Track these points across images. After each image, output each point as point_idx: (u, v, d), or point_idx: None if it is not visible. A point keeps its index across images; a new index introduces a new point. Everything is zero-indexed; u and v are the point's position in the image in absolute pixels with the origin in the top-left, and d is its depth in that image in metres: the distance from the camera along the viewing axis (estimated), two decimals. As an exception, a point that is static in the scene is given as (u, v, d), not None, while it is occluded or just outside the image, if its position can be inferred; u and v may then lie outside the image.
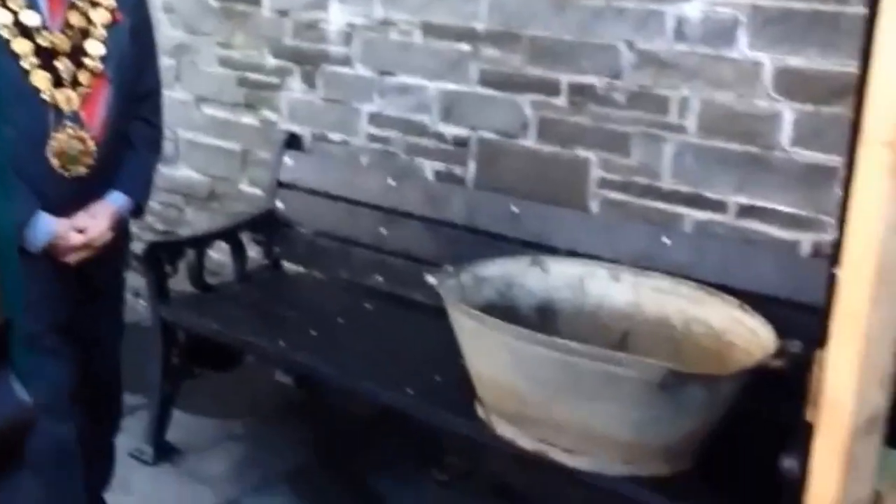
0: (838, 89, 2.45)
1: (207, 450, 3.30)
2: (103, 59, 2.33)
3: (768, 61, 2.58)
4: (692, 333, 2.46)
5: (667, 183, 2.80)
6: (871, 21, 1.23)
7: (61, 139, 2.28)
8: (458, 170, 3.26)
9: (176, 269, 3.24)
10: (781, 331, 2.21)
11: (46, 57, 2.27)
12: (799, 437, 1.53)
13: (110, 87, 2.36)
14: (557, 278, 2.71)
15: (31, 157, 2.25)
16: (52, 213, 2.34)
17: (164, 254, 3.20)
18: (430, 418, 2.61)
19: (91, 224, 2.39)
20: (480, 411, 2.49)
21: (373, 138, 3.46)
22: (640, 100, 2.83)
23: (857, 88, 1.28)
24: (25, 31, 2.25)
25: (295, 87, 3.64)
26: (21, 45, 2.24)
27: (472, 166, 3.23)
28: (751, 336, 2.27)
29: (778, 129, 2.59)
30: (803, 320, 1.86)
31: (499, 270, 2.70)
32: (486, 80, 3.15)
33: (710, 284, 2.52)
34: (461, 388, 2.54)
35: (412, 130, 3.35)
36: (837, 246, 1.33)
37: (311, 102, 3.61)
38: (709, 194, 2.73)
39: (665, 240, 2.70)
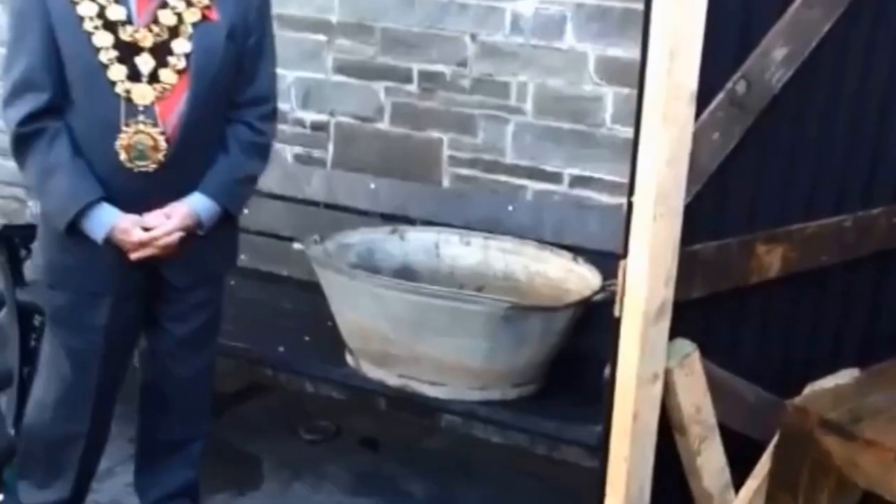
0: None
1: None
2: (188, 56, 2.44)
3: (591, 51, 3.29)
4: (535, 285, 3.13)
5: (509, 158, 3.48)
6: (647, 16, 1.91)
7: (130, 133, 2.40)
8: (317, 153, 3.84)
9: (30, 252, 3.34)
10: (609, 276, 2.90)
11: (126, 51, 2.40)
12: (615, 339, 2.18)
13: (191, 87, 2.45)
14: (415, 244, 3.35)
15: (100, 148, 2.42)
16: (123, 208, 2.47)
17: (18, 236, 3.36)
18: (304, 370, 3.18)
19: (159, 223, 2.49)
20: (349, 359, 3.08)
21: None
22: (484, 86, 3.49)
23: (640, 69, 1.95)
24: (108, 25, 2.38)
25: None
26: (102, 39, 2.38)
27: (330, 149, 3.82)
28: (582, 281, 2.97)
29: (602, 110, 3.31)
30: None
31: (361, 238, 3.32)
32: (342, 69, 3.75)
33: (548, 243, 3.21)
34: (330, 344, 3.13)
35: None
36: (631, 181, 1.99)
37: None
38: (545, 167, 3.42)
39: (509, 208, 3.38)
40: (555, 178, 3.42)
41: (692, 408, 2.22)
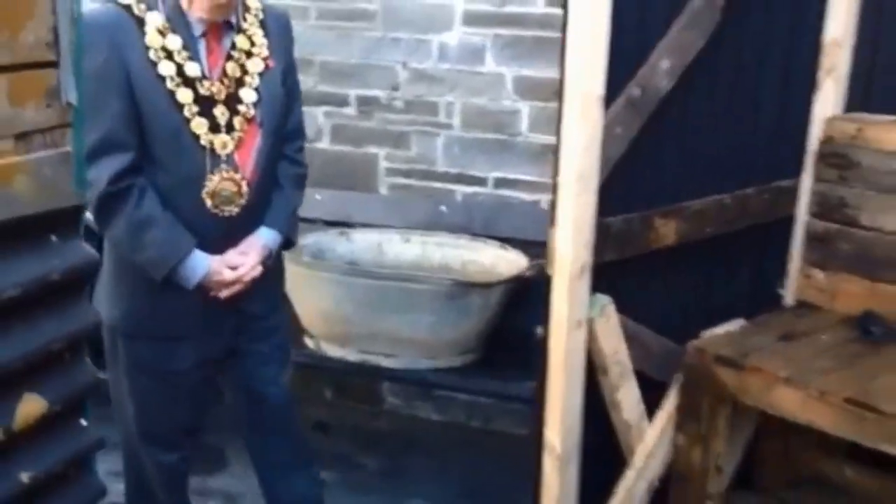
0: (557, 89, 3.72)
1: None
2: (255, 104, 2.54)
3: (508, 73, 3.81)
4: (469, 272, 3.61)
5: (440, 167, 3.98)
6: (563, 41, 2.41)
7: (216, 181, 2.49)
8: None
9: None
10: (533, 258, 3.40)
11: (205, 105, 2.47)
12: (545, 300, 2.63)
13: (261, 131, 2.56)
14: (360, 244, 3.81)
15: (188, 198, 2.48)
16: (205, 250, 2.53)
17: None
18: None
19: (242, 261, 2.58)
20: (309, 342, 3.51)
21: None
22: (416, 106, 3.99)
23: (560, 81, 2.44)
24: (188, 82, 2.46)
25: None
26: (184, 95, 2.45)
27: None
28: (511, 264, 3.47)
29: (519, 121, 3.84)
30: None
31: (312, 240, 3.75)
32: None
33: (479, 236, 3.70)
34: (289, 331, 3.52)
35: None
36: (555, 167, 2.49)
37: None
38: (472, 173, 3.94)
39: (443, 209, 3.87)
40: (481, 181, 3.94)
41: (611, 350, 2.65)
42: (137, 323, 2.62)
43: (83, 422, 1.76)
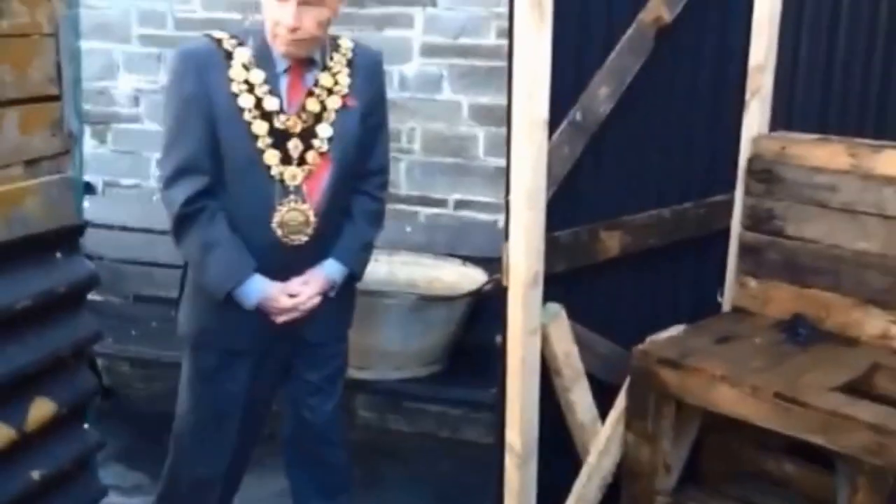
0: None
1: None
2: (330, 139, 2.63)
3: (464, 100, 4.03)
4: (434, 288, 3.79)
5: (404, 190, 4.16)
6: (510, 71, 2.62)
7: (284, 211, 2.59)
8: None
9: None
10: (493, 273, 3.58)
11: (280, 137, 2.58)
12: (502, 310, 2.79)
13: (332, 166, 2.64)
14: (332, 265, 4.00)
15: (258, 226, 2.60)
16: (272, 276, 2.65)
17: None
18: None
19: (302, 290, 2.68)
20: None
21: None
22: (379, 133, 4.20)
23: (508, 108, 2.63)
24: (265, 115, 2.56)
25: (86, 143, 4.68)
26: (260, 128, 2.56)
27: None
28: (472, 280, 3.66)
29: (475, 146, 4.04)
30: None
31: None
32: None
33: (442, 255, 3.90)
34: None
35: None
36: (507, 186, 2.67)
37: (101, 155, 4.68)
38: (434, 195, 4.13)
39: (407, 229, 4.04)
40: (442, 203, 4.13)
41: (563, 355, 2.82)
42: (203, 334, 2.75)
43: (85, 425, 1.94)
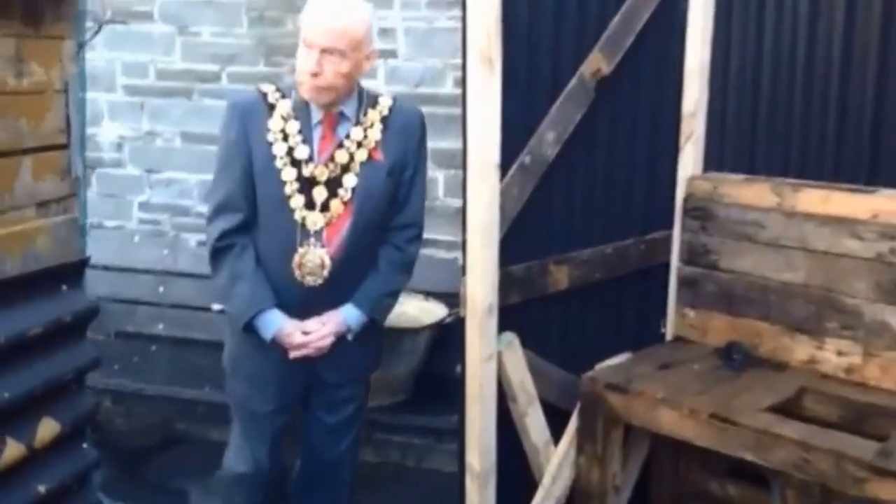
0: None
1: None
2: (353, 190, 2.72)
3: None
4: (400, 322, 3.96)
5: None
6: (464, 118, 2.83)
7: (303, 253, 2.71)
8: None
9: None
10: (453, 307, 3.78)
11: (306, 184, 2.70)
12: (461, 339, 2.97)
13: (354, 215, 2.73)
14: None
15: (280, 265, 2.72)
16: (291, 314, 2.76)
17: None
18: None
19: (316, 328, 2.78)
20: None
21: (143, 221, 4.77)
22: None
23: (463, 152, 2.83)
24: (294, 162, 2.70)
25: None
26: (288, 174, 2.69)
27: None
28: (434, 314, 3.88)
29: (436, 188, 4.27)
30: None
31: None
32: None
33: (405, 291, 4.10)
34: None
35: (178, 212, 4.73)
36: (464, 224, 2.85)
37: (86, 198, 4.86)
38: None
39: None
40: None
41: (518, 381, 2.99)
42: (236, 362, 2.92)
43: (84, 444, 2.12)
